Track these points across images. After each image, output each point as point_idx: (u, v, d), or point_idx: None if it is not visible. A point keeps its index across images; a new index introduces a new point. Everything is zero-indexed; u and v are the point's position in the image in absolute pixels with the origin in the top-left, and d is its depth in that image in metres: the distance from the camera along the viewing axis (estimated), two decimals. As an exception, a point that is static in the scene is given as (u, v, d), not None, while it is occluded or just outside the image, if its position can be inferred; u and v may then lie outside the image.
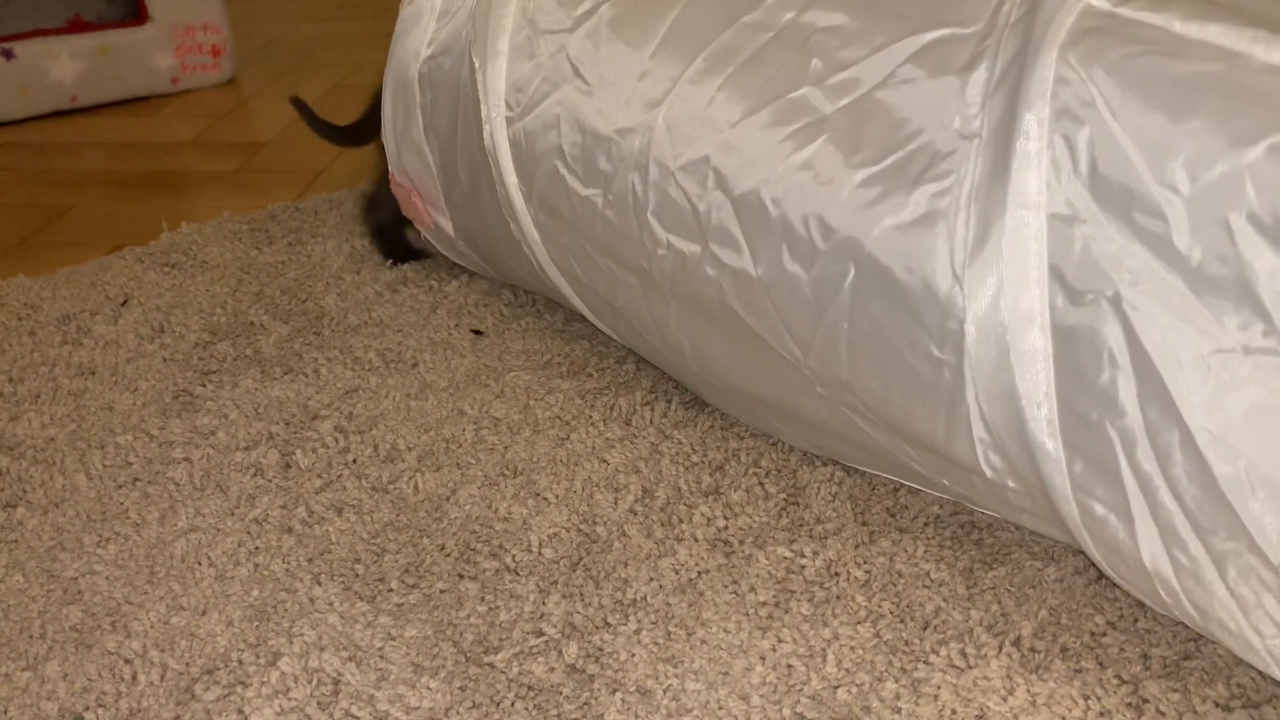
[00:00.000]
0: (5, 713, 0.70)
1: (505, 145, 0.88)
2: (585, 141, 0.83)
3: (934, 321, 0.63)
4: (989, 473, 0.67)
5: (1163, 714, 0.65)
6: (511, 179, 0.89)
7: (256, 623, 0.75)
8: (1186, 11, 0.55)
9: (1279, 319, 0.51)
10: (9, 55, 1.68)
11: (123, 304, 1.15)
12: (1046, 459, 0.61)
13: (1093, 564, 0.75)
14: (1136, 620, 0.72)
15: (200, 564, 0.81)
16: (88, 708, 0.70)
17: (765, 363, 0.77)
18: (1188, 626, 0.70)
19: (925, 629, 0.72)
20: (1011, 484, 0.67)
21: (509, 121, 0.88)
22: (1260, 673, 0.67)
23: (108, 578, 0.80)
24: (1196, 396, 0.54)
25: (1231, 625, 0.58)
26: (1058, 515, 0.64)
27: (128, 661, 0.73)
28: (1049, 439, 0.60)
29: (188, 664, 0.73)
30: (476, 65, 0.88)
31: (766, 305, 0.73)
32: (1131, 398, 0.56)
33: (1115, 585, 0.74)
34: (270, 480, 0.89)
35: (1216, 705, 0.65)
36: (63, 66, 1.73)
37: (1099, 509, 0.61)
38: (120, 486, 0.89)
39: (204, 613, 0.76)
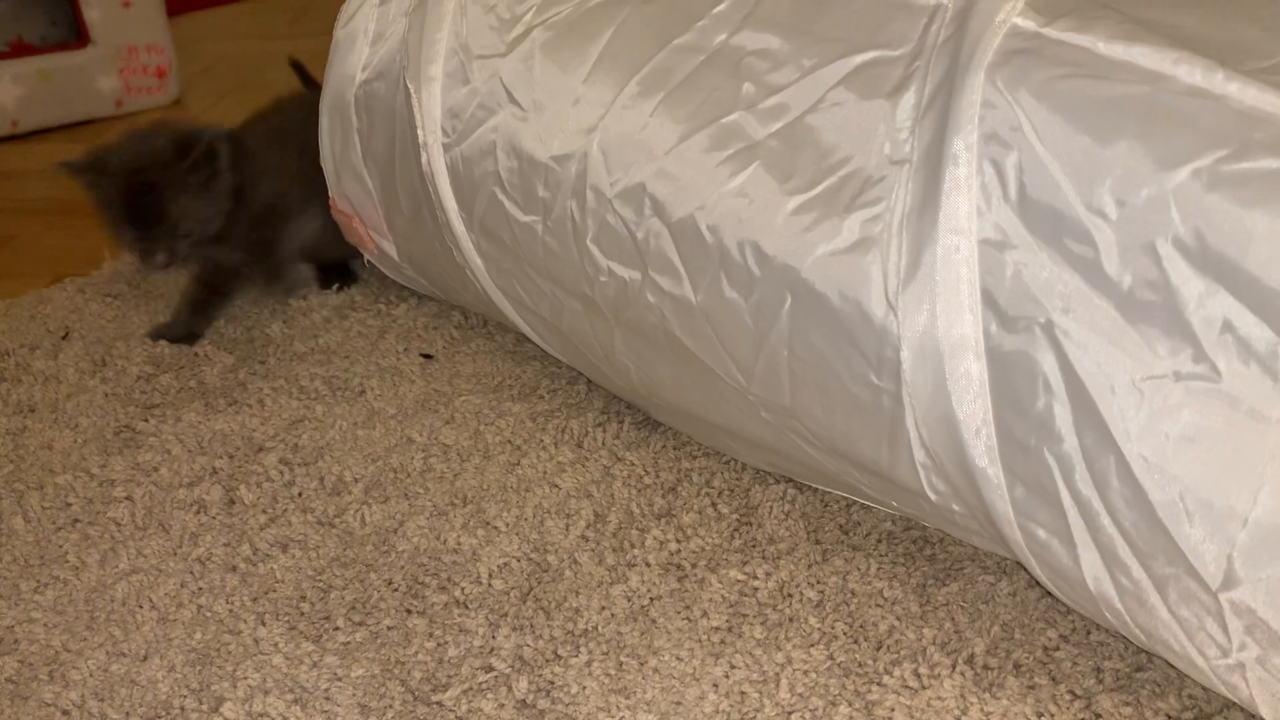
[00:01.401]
0: (-63, 772, 0.68)
1: (443, 172, 0.87)
2: (522, 168, 0.82)
3: (871, 349, 0.63)
4: (934, 496, 0.66)
5: (1115, 729, 0.65)
6: (451, 205, 0.88)
7: (199, 667, 0.74)
8: (1111, 32, 0.54)
9: (1207, 345, 0.51)
10: (-54, 82, 1.65)
11: (63, 337, 1.13)
12: (988, 484, 0.61)
13: (1044, 577, 0.75)
14: (1089, 633, 0.71)
15: (142, 607, 0.79)
16: (23, 764, 0.68)
17: (711, 388, 0.77)
18: (1139, 638, 0.70)
19: (879, 649, 0.71)
20: (956, 508, 0.66)
21: (446, 148, 0.87)
22: (1211, 683, 0.67)
23: (45, 625, 0.78)
24: (1131, 423, 0.54)
25: (1176, 647, 0.58)
26: (1002, 539, 0.64)
27: (65, 713, 0.71)
28: (989, 465, 0.60)
29: (127, 713, 0.71)
30: (411, 91, 0.87)
31: (708, 332, 0.72)
32: (1068, 424, 0.56)
33: (1067, 598, 0.74)
34: (214, 517, 0.87)
35: (1169, 717, 0.65)
36: (3, 91, 1.70)
37: (1041, 533, 0.60)
38: (59, 529, 0.87)
39: (145, 659, 0.75)
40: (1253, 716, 0.65)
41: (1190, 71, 0.52)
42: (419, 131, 0.87)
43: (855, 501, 0.84)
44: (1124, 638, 0.70)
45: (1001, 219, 0.57)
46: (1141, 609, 0.58)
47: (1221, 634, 0.55)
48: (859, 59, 0.64)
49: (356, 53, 0.94)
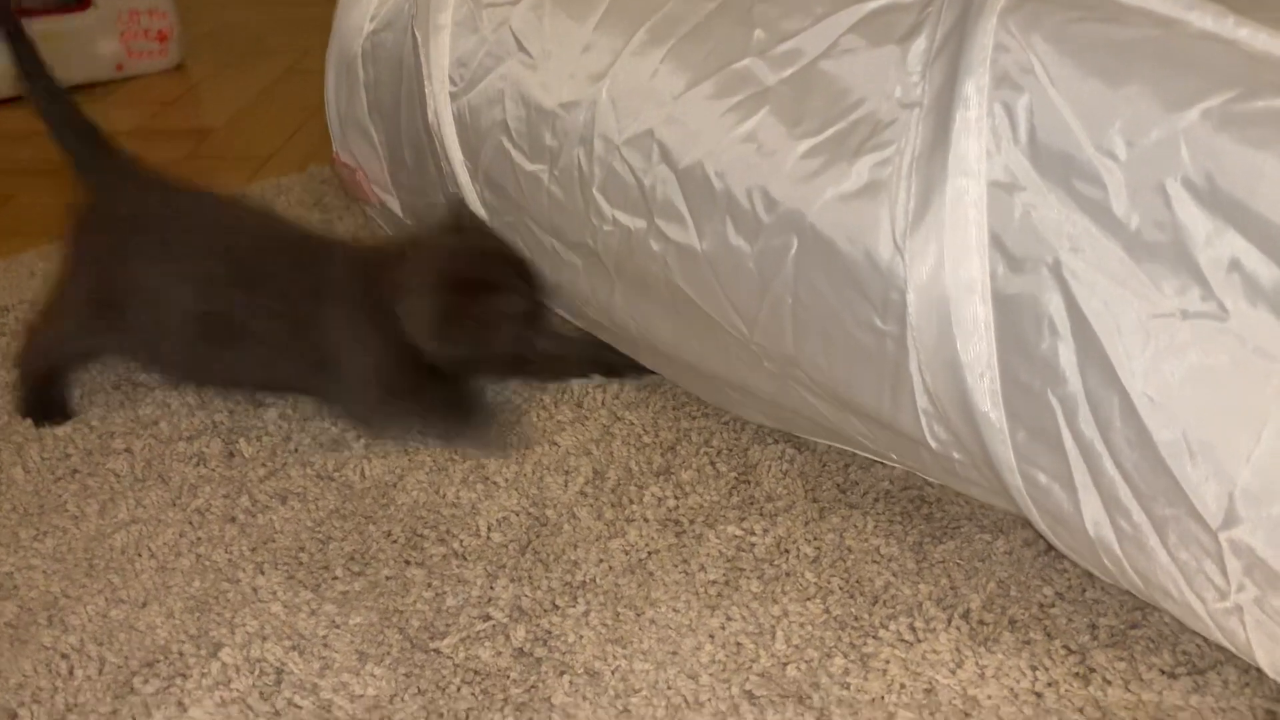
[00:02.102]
0: (-64, 711, 0.68)
1: (450, 121, 0.87)
2: (530, 116, 0.81)
3: (876, 292, 0.63)
4: (934, 444, 0.66)
5: (1109, 682, 0.65)
6: (457, 155, 0.88)
7: (198, 614, 0.74)
8: (1125, -23, 0.54)
9: (1215, 284, 0.51)
10: (-54, 42, 1.64)
11: (63, 294, 1.12)
12: (989, 429, 0.61)
13: (1041, 536, 0.75)
14: (1084, 591, 0.72)
15: (140, 556, 0.79)
16: (22, 704, 0.68)
17: (712, 340, 0.77)
18: (1135, 595, 0.71)
19: (874, 604, 0.72)
20: (957, 455, 0.66)
21: (453, 97, 0.86)
22: (1204, 640, 0.67)
23: (45, 572, 0.78)
24: (1136, 362, 0.54)
25: (1174, 592, 0.58)
26: (1003, 486, 0.64)
27: (64, 656, 0.71)
28: (992, 409, 0.60)
29: (126, 657, 0.71)
30: (419, 40, 0.87)
31: (711, 281, 0.72)
32: (1072, 365, 0.56)
33: (1063, 557, 0.74)
34: (213, 470, 0.87)
35: (1162, 673, 0.65)
36: (3, 55, 1.69)
37: (1042, 478, 0.61)
38: (59, 479, 0.87)
39: (144, 605, 0.75)
40: (1246, 671, 0.65)
41: (1202, 17, 0.52)
42: (426, 81, 0.86)
43: (853, 461, 0.84)
44: (1119, 595, 0.71)
45: (1011, 161, 0.57)
46: (1141, 553, 0.58)
47: (1220, 576, 0.55)
48: (871, 5, 0.64)
49: (363, 4, 0.94)
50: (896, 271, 0.61)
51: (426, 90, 0.87)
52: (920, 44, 0.61)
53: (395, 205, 1.04)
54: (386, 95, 0.95)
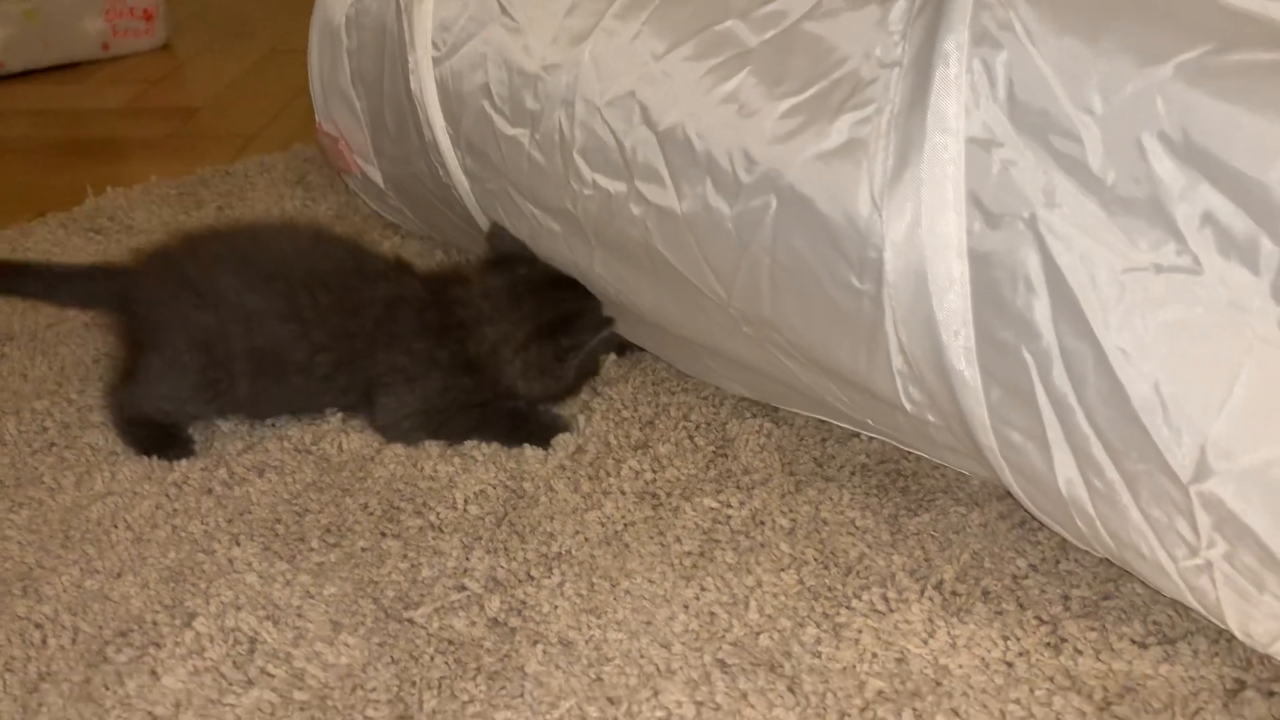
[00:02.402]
0: (-91, 680, 0.68)
1: (432, 87, 0.86)
2: (512, 80, 0.81)
3: (853, 250, 0.63)
4: (909, 406, 0.66)
5: (1080, 652, 0.65)
6: (438, 121, 0.87)
7: (172, 584, 0.74)
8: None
9: (1190, 238, 0.52)
10: (-70, 20, 1.63)
11: (44, 270, 1.12)
12: (964, 387, 0.61)
13: (1017, 508, 0.76)
14: (1058, 563, 0.72)
15: (116, 527, 0.79)
16: (-5, 673, 0.68)
17: (691, 305, 0.77)
18: (1108, 568, 0.71)
19: (848, 575, 0.72)
20: (932, 418, 0.66)
21: (436, 62, 0.86)
22: (1176, 610, 0.67)
23: (20, 543, 0.78)
24: (1110, 316, 0.54)
25: (1145, 550, 0.59)
26: (977, 447, 0.64)
27: (38, 626, 0.71)
28: (966, 367, 0.60)
29: (100, 627, 0.71)
30: (402, 5, 0.86)
31: (690, 243, 0.72)
32: (1046, 320, 0.56)
33: (1038, 530, 0.74)
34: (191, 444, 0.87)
35: (1133, 642, 0.66)
36: (-13, 32, 1.68)
37: (1016, 437, 0.61)
38: (35, 452, 0.87)
39: (119, 575, 0.75)
40: (1216, 641, 0.65)
41: (1179, -27, 0.52)
42: (408, 46, 0.86)
43: (830, 435, 0.84)
44: (1093, 567, 0.71)
45: (989, 118, 0.57)
46: (1113, 511, 0.58)
47: (1190, 532, 0.55)
48: (854, -34, 0.64)
49: (349, -30, 0.93)
50: (874, 229, 0.61)
51: (409, 56, 0.87)
52: (901, 4, 0.61)
53: (376, 175, 1.04)
54: (370, 62, 0.94)
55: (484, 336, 0.85)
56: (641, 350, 0.95)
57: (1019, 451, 0.61)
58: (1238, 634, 0.60)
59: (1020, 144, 0.56)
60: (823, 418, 0.84)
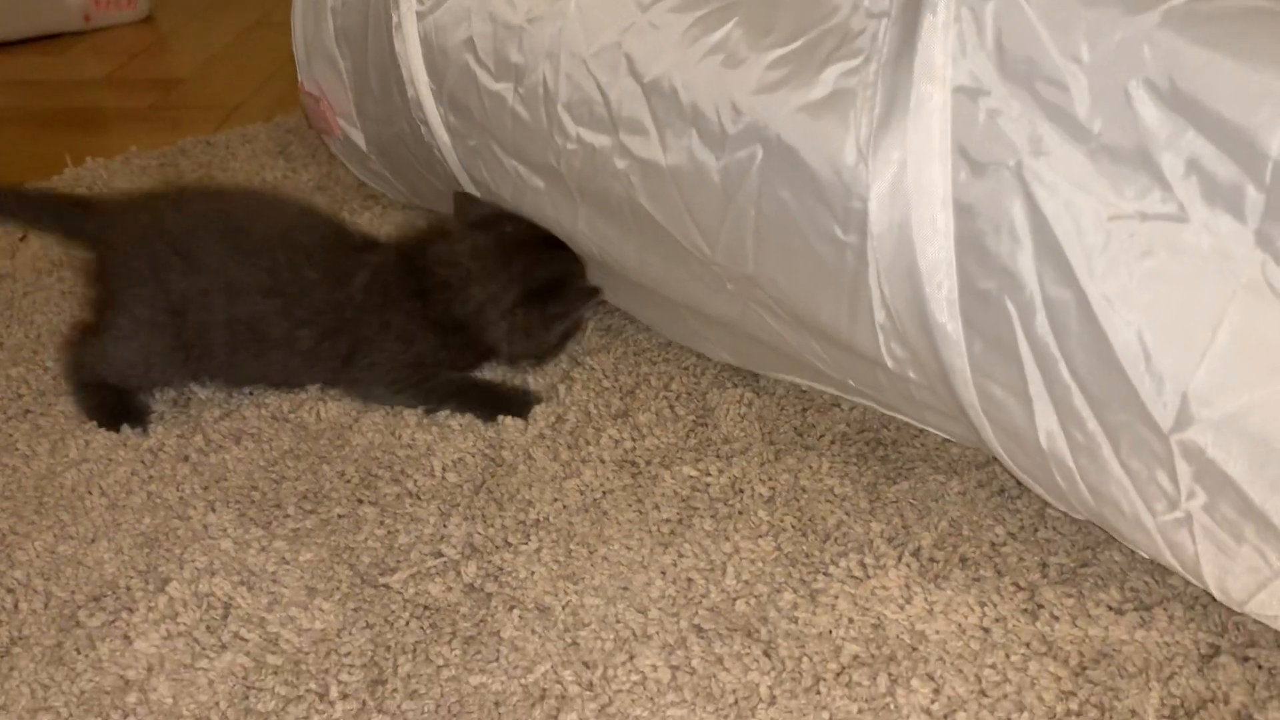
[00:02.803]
0: (-121, 644, 0.67)
1: (415, 42, 0.85)
2: (497, 33, 0.80)
3: (838, 201, 0.62)
4: (891, 363, 0.66)
5: (1057, 618, 0.65)
6: (422, 77, 0.86)
7: (147, 550, 0.73)
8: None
9: (1175, 185, 0.51)
10: (-91, -11, 1.61)
11: (20, 239, 1.11)
12: (946, 341, 0.60)
13: (995, 477, 0.76)
14: (1036, 530, 0.72)
15: (91, 494, 0.78)
16: (-34, 637, 0.67)
17: (675, 262, 0.76)
18: (1086, 535, 0.71)
19: (826, 541, 0.72)
20: (913, 375, 0.66)
21: (420, 16, 0.85)
22: (1153, 577, 0.67)
23: (-7, 509, 0.77)
24: (1094, 263, 0.54)
25: (1125, 506, 0.58)
26: (958, 404, 0.64)
27: (10, 591, 0.70)
28: (949, 320, 0.60)
29: (73, 592, 0.70)
30: None
31: (675, 197, 0.71)
32: (1030, 269, 0.56)
33: (1017, 498, 0.74)
34: (167, 410, 0.86)
35: (1110, 609, 0.66)
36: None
37: (997, 391, 0.60)
38: (10, 419, 0.86)
39: (93, 541, 0.74)
40: (1191, 608, 0.65)
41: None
42: (392, 2, 0.85)
43: (811, 405, 0.84)
44: (1071, 535, 0.71)
45: (976, 66, 0.56)
46: (1093, 465, 0.58)
47: (1170, 483, 0.55)
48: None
49: (335, -74, 0.92)
50: (859, 180, 0.61)
51: (393, 12, 0.85)
52: None
53: (359, 138, 1.03)
54: (355, 19, 0.93)
55: (470, 297, 0.85)
56: (624, 317, 0.94)
57: (1000, 406, 0.61)
58: (1215, 591, 0.60)
59: (1007, 92, 0.55)
60: (804, 382, 0.84)
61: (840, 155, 0.61)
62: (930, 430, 0.79)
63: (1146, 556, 0.65)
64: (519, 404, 0.85)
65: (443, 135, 0.88)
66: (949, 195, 0.57)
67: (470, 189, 0.93)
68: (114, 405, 0.85)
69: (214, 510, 0.76)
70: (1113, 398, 0.55)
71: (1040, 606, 0.66)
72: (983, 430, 0.64)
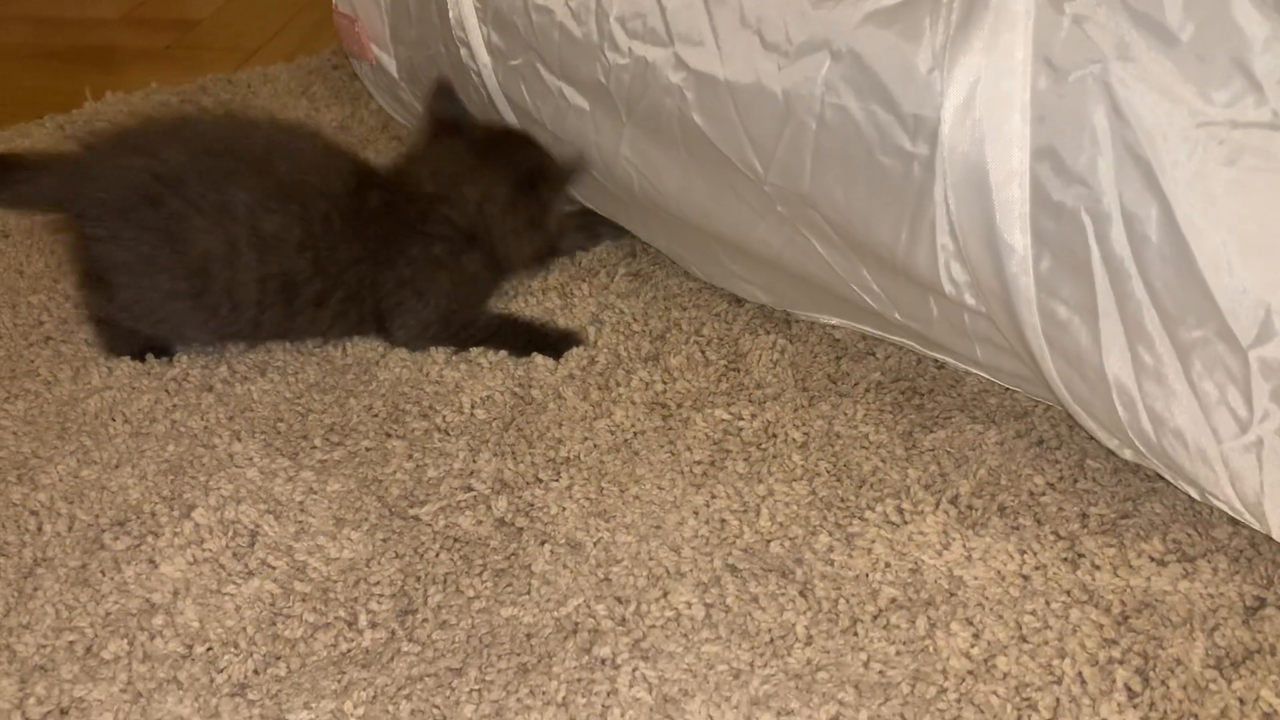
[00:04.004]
0: (-100, 561, 0.66)
1: None
2: None
3: (909, 108, 0.61)
4: (948, 288, 0.64)
5: (1098, 567, 0.64)
6: None
7: (171, 477, 0.72)
8: None
9: (1269, 90, 0.50)
10: (-76, -79, 1.58)
11: (40, 169, 1.09)
12: (1012, 258, 0.59)
13: (1034, 428, 0.74)
14: (1076, 481, 0.71)
15: (114, 421, 0.77)
16: (-11, 557, 0.67)
17: (722, 185, 0.74)
18: (1126, 487, 0.69)
19: (861, 487, 0.70)
20: (970, 300, 0.64)
21: None
22: (1195, 529, 0.66)
23: (15, 433, 0.76)
24: (1179, 171, 0.52)
25: (1189, 433, 0.57)
26: (1017, 329, 0.62)
27: (33, 513, 0.70)
28: (1018, 235, 0.58)
29: (97, 515, 0.69)
30: None
31: (730, 111, 0.70)
32: (1109, 177, 0.54)
33: (1056, 449, 0.73)
34: (190, 345, 0.85)
35: (1151, 559, 0.65)
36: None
37: (1062, 311, 0.59)
38: (31, 345, 0.85)
39: (116, 467, 0.73)
40: (1236, 560, 0.64)
41: None
42: None
43: (844, 353, 0.82)
44: (1111, 487, 0.70)
45: None
46: (1159, 388, 0.57)
47: (1243, 404, 0.54)
48: None
49: None
50: (932, 88, 0.59)
51: None
52: None
53: (391, 65, 1.01)
54: None
55: (465, 198, 0.83)
56: (653, 262, 0.93)
57: (1063, 327, 0.59)
58: (1273, 527, 0.58)
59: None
60: (842, 321, 0.82)
61: (913, 63, 0.60)
62: (973, 371, 0.78)
63: (1197, 498, 0.64)
64: (557, 344, 0.84)
65: (484, 56, 0.86)
66: (1027, 104, 0.56)
67: (507, 113, 0.91)
68: (136, 340, 0.83)
69: (239, 440, 0.75)
70: (1188, 312, 0.53)
71: (1080, 556, 0.65)
72: (1041, 357, 0.62)
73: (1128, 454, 0.66)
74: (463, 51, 0.89)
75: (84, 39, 1.51)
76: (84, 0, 1.65)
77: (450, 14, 0.88)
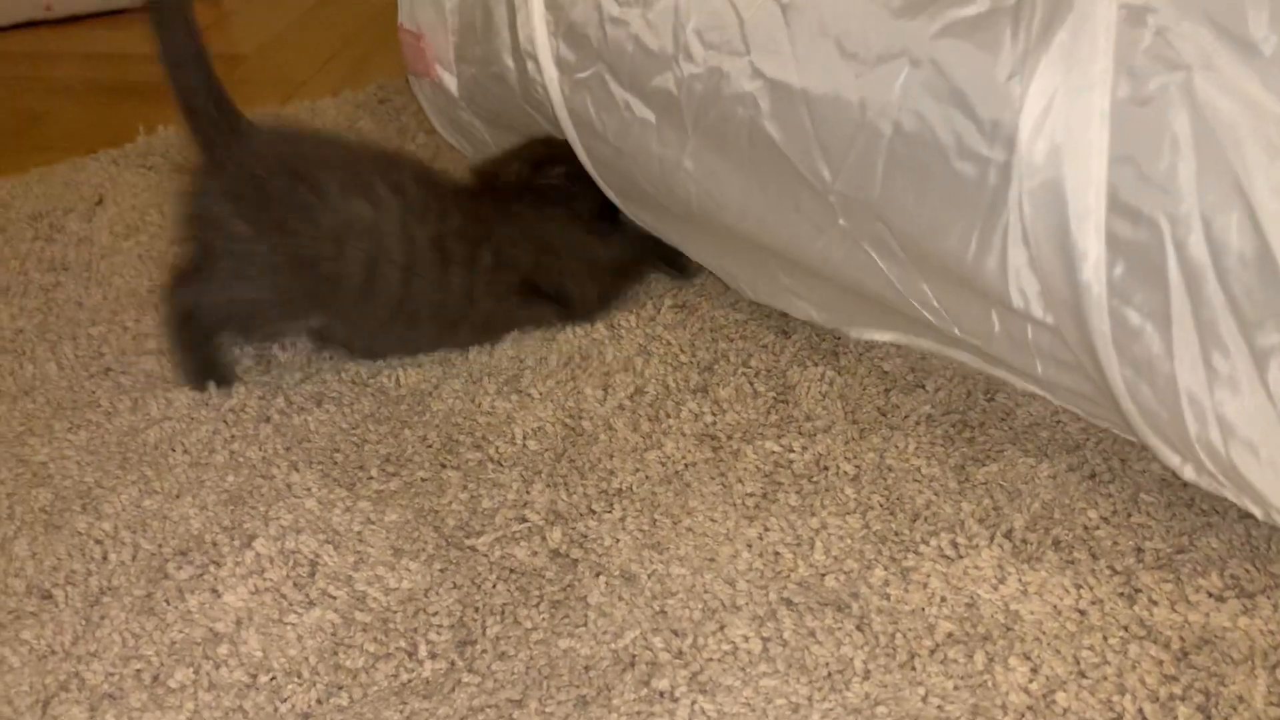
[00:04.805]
0: (-29, 589, 0.68)
1: None
2: None
3: (988, 115, 0.62)
4: (1016, 299, 0.65)
5: (1155, 602, 0.64)
6: (539, 7, 0.86)
7: (231, 507, 0.73)
8: None
9: None
10: (-19, -39, 1.63)
11: (97, 203, 1.12)
12: (1085, 264, 0.59)
13: (1086, 461, 0.74)
14: (1130, 515, 0.70)
15: (174, 451, 0.79)
16: (56, 585, 0.68)
17: (785, 197, 0.75)
18: (1182, 521, 0.69)
19: (915, 520, 0.71)
20: (1037, 312, 0.65)
21: None
22: (1253, 564, 0.66)
23: (78, 463, 0.78)
24: (1264, 177, 0.53)
25: (1261, 444, 0.57)
26: (1085, 336, 0.62)
27: (98, 542, 0.71)
28: (1093, 241, 0.59)
29: (160, 545, 0.71)
30: None
31: (803, 118, 0.71)
32: (1190, 183, 0.55)
33: (1109, 483, 0.73)
34: (247, 373, 0.86)
35: (1210, 595, 0.64)
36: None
37: (1134, 318, 0.59)
38: (92, 376, 0.87)
39: (177, 496, 0.74)
40: (1296, 596, 0.64)
41: None
42: None
43: (894, 385, 0.83)
44: (1166, 520, 0.69)
45: None
46: (1232, 396, 0.57)
47: None
48: None
49: None
50: (1013, 94, 0.60)
51: None
52: None
53: (452, 84, 1.03)
54: None
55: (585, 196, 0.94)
56: (699, 293, 0.94)
57: (1135, 336, 0.60)
58: None
59: (1177, 12, 0.55)
60: (896, 338, 0.82)
61: (993, 70, 0.61)
62: (1032, 389, 0.78)
63: (1260, 516, 0.63)
64: (677, 258, 0.95)
65: (551, 70, 0.88)
66: (1106, 111, 0.57)
67: (568, 127, 0.92)
68: (203, 359, 0.84)
69: (297, 470, 0.76)
70: (1268, 317, 0.54)
71: (1138, 591, 0.65)
72: (1108, 366, 0.62)
73: (1188, 472, 0.65)
74: (529, 65, 0.91)
75: (134, 73, 1.54)
76: (133, 35, 1.68)
77: (520, 31, 0.90)
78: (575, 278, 0.91)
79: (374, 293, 0.81)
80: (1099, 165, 0.58)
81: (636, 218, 0.97)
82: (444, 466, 0.77)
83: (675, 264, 0.96)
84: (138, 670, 0.62)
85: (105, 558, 0.70)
